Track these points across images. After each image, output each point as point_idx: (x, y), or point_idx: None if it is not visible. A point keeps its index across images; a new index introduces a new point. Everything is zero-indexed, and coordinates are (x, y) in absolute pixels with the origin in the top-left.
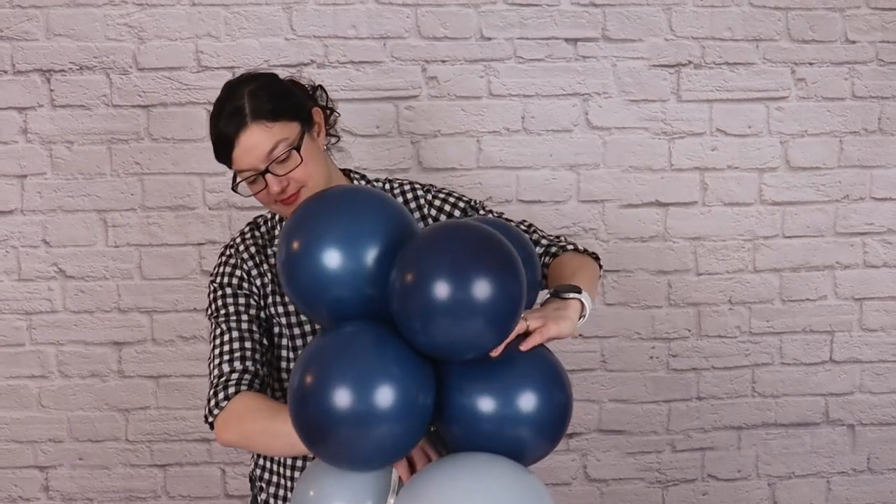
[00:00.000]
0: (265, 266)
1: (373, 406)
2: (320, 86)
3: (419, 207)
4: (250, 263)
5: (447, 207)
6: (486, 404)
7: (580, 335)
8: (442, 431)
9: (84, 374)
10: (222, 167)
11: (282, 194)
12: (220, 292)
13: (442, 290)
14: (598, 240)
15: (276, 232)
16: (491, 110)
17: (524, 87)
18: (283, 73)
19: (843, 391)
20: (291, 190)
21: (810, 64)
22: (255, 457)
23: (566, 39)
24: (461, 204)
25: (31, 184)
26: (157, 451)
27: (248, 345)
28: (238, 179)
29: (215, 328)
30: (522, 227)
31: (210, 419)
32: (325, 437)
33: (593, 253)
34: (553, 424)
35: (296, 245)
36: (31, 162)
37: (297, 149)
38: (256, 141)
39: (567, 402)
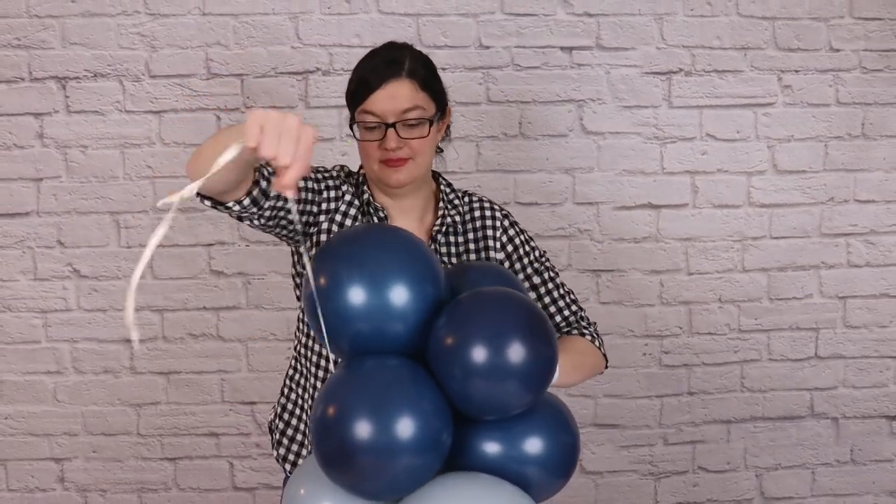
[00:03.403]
0: (349, 209)
1: (398, 437)
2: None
3: (493, 227)
4: (343, 189)
5: (520, 251)
6: (493, 447)
7: None
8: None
9: (97, 371)
10: None
11: (392, 152)
12: (322, 172)
13: (480, 354)
14: (593, 240)
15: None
16: (489, 116)
17: (521, 93)
18: (289, 80)
19: (827, 386)
20: (402, 154)
21: (796, 71)
22: (276, 407)
23: (562, 48)
24: (527, 258)
25: (47, 187)
26: (168, 444)
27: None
28: (358, 121)
29: None
30: (558, 290)
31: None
32: (348, 464)
33: (605, 354)
34: (561, 464)
35: (322, 280)
36: (46, 165)
37: (430, 123)
38: (401, 94)
39: (573, 441)
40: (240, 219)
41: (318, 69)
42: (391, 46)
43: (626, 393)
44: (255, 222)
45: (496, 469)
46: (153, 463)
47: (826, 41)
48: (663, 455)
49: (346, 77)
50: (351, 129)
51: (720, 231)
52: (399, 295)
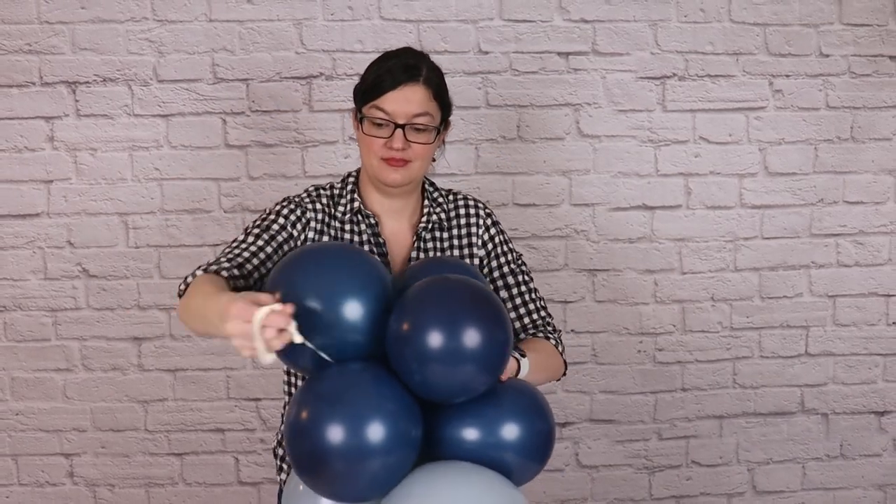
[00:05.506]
0: (333, 223)
1: (367, 441)
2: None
3: (477, 225)
4: (320, 216)
5: (499, 249)
6: (471, 434)
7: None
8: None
9: (106, 368)
10: (237, 173)
11: (396, 151)
12: (271, 217)
13: (435, 339)
14: (589, 241)
15: (341, 199)
16: (488, 119)
17: (519, 97)
18: (293, 85)
19: (817, 382)
20: (404, 155)
21: (787, 76)
22: (278, 435)
23: (558, 53)
24: (504, 258)
25: (57, 188)
26: (175, 440)
27: (254, 261)
28: (367, 116)
29: (241, 233)
30: (530, 293)
31: (179, 290)
32: (321, 470)
33: (566, 361)
34: (537, 450)
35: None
36: (57, 168)
37: (436, 131)
38: (416, 98)
39: (549, 428)
40: None
41: (321, 74)
42: (409, 52)
43: (622, 389)
44: None
45: (475, 457)
46: (160, 458)
47: (816, 46)
48: (657, 449)
49: (349, 81)
50: (360, 122)
51: (713, 231)
52: (350, 308)
